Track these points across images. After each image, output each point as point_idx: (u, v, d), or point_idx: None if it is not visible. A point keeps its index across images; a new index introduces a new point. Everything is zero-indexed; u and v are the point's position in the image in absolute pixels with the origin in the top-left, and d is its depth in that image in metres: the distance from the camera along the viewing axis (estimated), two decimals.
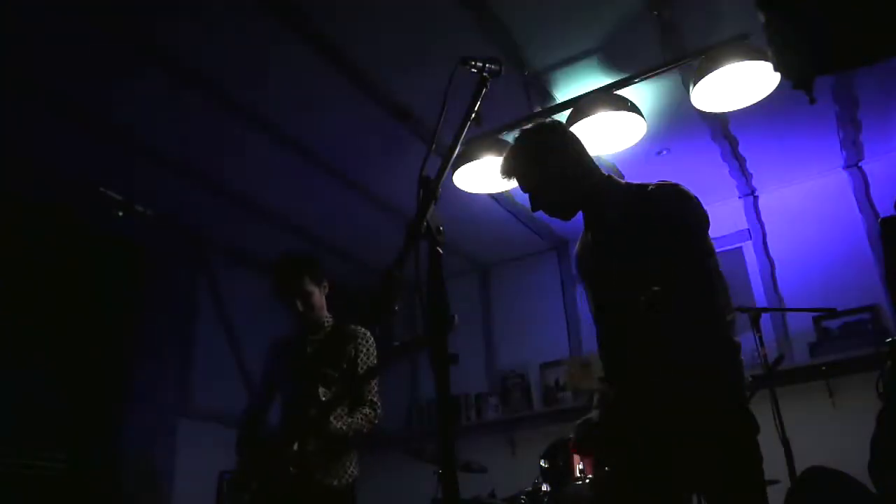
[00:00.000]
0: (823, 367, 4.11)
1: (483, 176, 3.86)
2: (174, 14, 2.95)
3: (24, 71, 3.17)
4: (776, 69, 1.40)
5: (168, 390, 4.50)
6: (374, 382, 2.89)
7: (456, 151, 1.54)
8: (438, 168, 1.47)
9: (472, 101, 1.57)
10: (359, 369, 2.88)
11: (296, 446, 2.59)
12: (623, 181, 2.17)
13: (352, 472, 2.81)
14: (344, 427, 2.67)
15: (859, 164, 4.55)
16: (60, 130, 3.59)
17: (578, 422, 2.21)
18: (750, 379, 1.99)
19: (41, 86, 3.28)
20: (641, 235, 1.97)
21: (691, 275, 1.90)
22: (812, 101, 1.34)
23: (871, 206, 4.42)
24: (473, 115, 1.57)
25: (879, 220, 4.23)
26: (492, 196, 4.47)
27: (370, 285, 5.28)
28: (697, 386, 1.83)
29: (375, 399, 2.86)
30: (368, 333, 2.98)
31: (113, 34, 3.02)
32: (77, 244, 4.36)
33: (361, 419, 2.77)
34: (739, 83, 3.25)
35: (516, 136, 2.22)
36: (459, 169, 3.67)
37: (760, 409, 2.09)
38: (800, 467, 3.25)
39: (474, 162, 3.61)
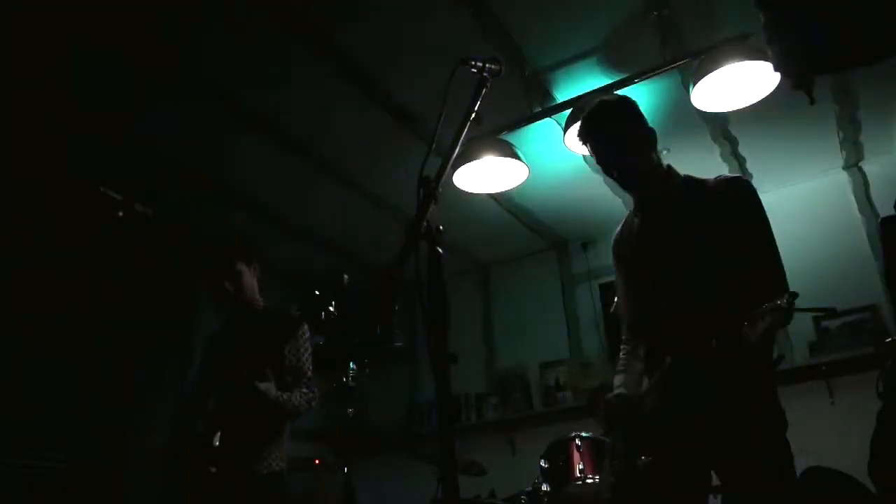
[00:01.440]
0: (823, 367, 4.10)
1: (483, 176, 3.86)
2: (173, 15, 2.95)
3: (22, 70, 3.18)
4: (776, 69, 1.40)
5: (168, 390, 4.49)
6: (309, 369, 2.80)
7: (456, 151, 1.54)
8: (438, 168, 1.47)
9: (472, 101, 1.57)
10: (286, 352, 2.77)
11: (216, 440, 2.53)
12: (681, 174, 2.23)
13: (280, 460, 2.71)
14: (283, 397, 2.60)
15: (859, 164, 4.55)
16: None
17: (610, 396, 2.22)
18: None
19: (40, 85, 3.28)
20: (706, 224, 2.04)
21: (765, 261, 1.99)
22: (812, 101, 1.34)
23: (871, 206, 4.42)
24: (473, 115, 1.57)
25: (879, 220, 4.23)
26: (492, 196, 4.47)
27: (370, 285, 5.30)
28: (750, 371, 1.94)
29: (311, 383, 2.75)
30: (301, 317, 2.84)
31: (110, 34, 3.02)
32: (77, 244, 4.36)
33: (300, 396, 2.67)
34: (739, 83, 3.25)
35: (608, 98, 2.28)
36: (459, 169, 3.67)
37: None
38: (800, 467, 3.24)
39: (474, 162, 3.61)
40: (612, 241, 2.39)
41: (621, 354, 2.35)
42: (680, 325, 2.03)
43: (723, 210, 2.05)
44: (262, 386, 2.55)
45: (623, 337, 2.37)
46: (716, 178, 2.16)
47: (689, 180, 2.20)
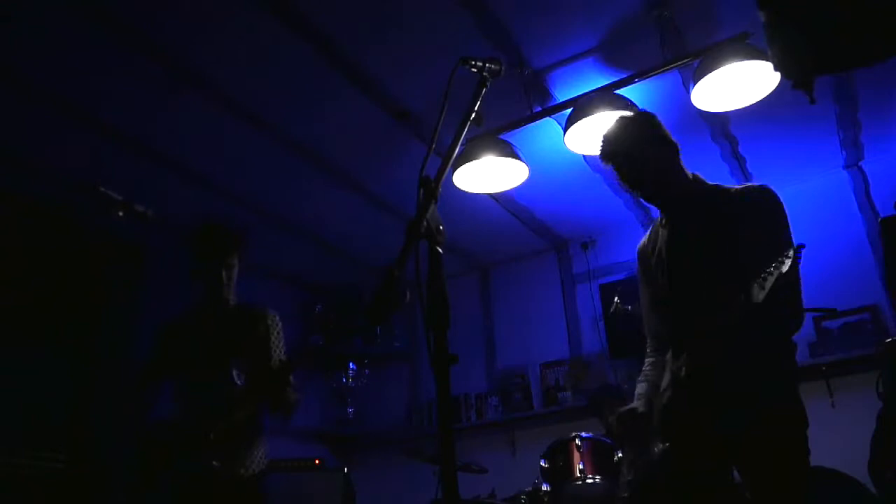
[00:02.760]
0: (823, 367, 4.10)
1: (483, 176, 3.86)
2: (171, 11, 2.94)
3: (21, 70, 3.18)
4: (776, 69, 1.40)
5: (167, 390, 4.48)
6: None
7: (456, 151, 1.54)
8: (438, 168, 1.47)
9: (472, 101, 1.58)
10: (272, 352, 2.68)
11: (212, 435, 2.41)
12: (709, 183, 2.27)
13: (261, 461, 2.64)
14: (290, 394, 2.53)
15: (859, 164, 4.55)
16: (57, 129, 3.59)
17: (623, 410, 2.28)
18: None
19: (37, 84, 3.28)
20: (732, 233, 2.07)
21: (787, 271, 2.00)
22: (812, 101, 1.34)
23: (871, 205, 4.42)
24: (473, 115, 1.57)
25: (879, 220, 4.23)
26: (492, 196, 4.47)
27: (370, 285, 5.29)
28: (771, 379, 2.01)
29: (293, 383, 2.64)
30: (277, 315, 2.79)
31: (107, 32, 3.02)
32: (77, 244, 4.36)
33: (293, 391, 2.58)
34: (739, 83, 3.25)
35: (627, 114, 2.33)
36: (459, 169, 3.67)
37: None
38: None
39: (474, 162, 3.61)
40: (636, 250, 2.43)
41: (645, 364, 2.38)
42: (706, 335, 2.04)
43: (745, 219, 2.08)
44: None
45: (647, 349, 2.41)
46: (741, 188, 2.20)
47: (716, 190, 2.23)
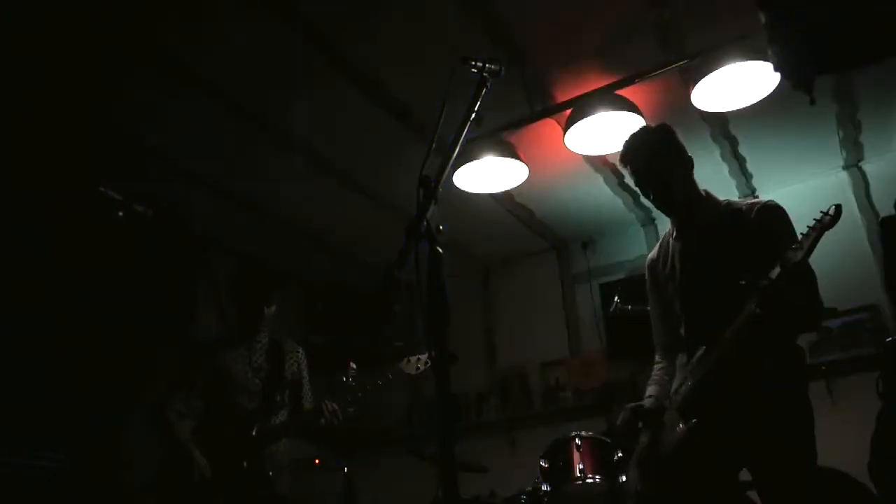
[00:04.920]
0: (823, 367, 4.10)
1: (483, 176, 3.86)
2: (172, 14, 2.94)
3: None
4: (776, 69, 1.40)
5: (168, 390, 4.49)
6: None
7: (456, 151, 1.54)
8: (438, 168, 1.47)
9: (472, 101, 1.58)
10: (303, 383, 3.14)
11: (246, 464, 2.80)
12: (719, 198, 2.35)
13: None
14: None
15: (859, 164, 4.54)
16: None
17: (627, 407, 2.35)
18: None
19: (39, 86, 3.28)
20: (744, 247, 2.15)
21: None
22: (812, 101, 1.34)
23: (871, 206, 4.42)
24: (473, 115, 1.57)
25: (879, 219, 4.23)
26: (492, 196, 4.47)
27: (370, 285, 5.30)
28: (780, 372, 2.08)
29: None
30: (301, 349, 3.22)
31: (110, 34, 3.02)
32: (77, 243, 4.36)
33: None
34: (739, 83, 3.25)
35: (648, 127, 2.44)
36: (459, 169, 3.67)
37: None
38: None
39: (474, 162, 3.61)
40: (647, 262, 2.49)
41: (654, 369, 2.46)
42: (717, 343, 2.10)
43: (756, 233, 2.16)
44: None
45: (656, 357, 2.48)
46: (750, 203, 2.27)
47: (726, 205, 2.30)
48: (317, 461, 4.35)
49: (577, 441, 3.33)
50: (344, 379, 2.90)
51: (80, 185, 3.79)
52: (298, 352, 3.18)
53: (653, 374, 2.44)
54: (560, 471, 3.32)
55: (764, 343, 2.04)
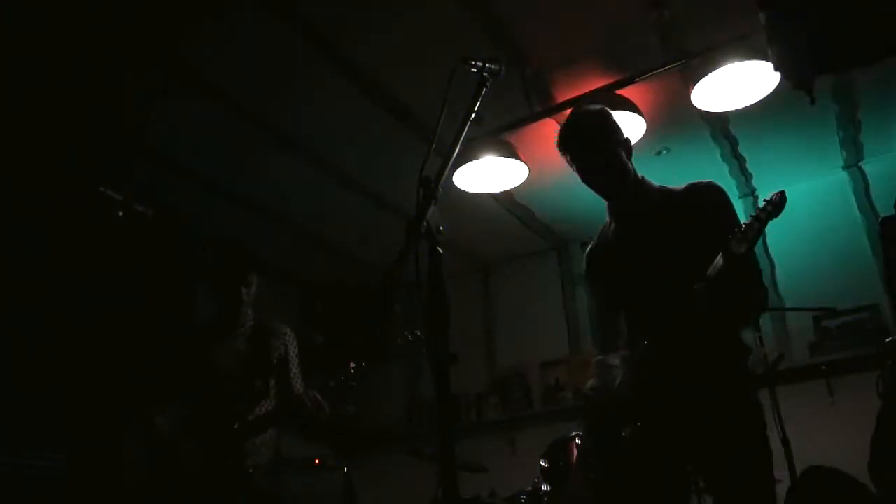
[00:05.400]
0: (823, 367, 4.11)
1: (483, 176, 3.86)
2: (172, 14, 2.94)
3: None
4: (776, 69, 1.40)
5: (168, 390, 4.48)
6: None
7: (456, 151, 1.54)
8: (438, 168, 1.47)
9: (472, 101, 1.58)
10: (290, 366, 2.92)
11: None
12: (655, 184, 2.25)
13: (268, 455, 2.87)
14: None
15: (859, 164, 4.54)
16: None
17: (586, 389, 2.26)
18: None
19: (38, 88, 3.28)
20: (683, 230, 2.07)
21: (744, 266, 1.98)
22: (812, 100, 1.34)
23: (871, 205, 4.42)
24: (473, 115, 1.57)
25: (879, 219, 4.23)
26: (492, 196, 4.47)
27: (370, 285, 5.30)
28: (725, 370, 2.00)
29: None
30: (290, 330, 3.00)
31: (110, 34, 3.02)
32: (77, 243, 4.36)
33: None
34: (739, 83, 3.25)
35: (588, 107, 2.28)
36: (459, 169, 3.67)
37: None
38: (800, 467, 3.25)
39: (474, 162, 3.61)
40: (586, 253, 2.36)
41: (594, 364, 2.31)
42: (659, 332, 2.04)
43: (695, 215, 2.08)
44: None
45: (600, 348, 2.33)
46: (686, 186, 2.18)
47: (661, 190, 2.22)
48: (317, 461, 4.35)
49: (577, 441, 3.33)
50: (342, 377, 2.86)
51: (80, 185, 3.80)
52: (286, 333, 2.96)
53: (597, 362, 2.29)
54: (560, 471, 3.32)
55: (707, 339, 1.98)
